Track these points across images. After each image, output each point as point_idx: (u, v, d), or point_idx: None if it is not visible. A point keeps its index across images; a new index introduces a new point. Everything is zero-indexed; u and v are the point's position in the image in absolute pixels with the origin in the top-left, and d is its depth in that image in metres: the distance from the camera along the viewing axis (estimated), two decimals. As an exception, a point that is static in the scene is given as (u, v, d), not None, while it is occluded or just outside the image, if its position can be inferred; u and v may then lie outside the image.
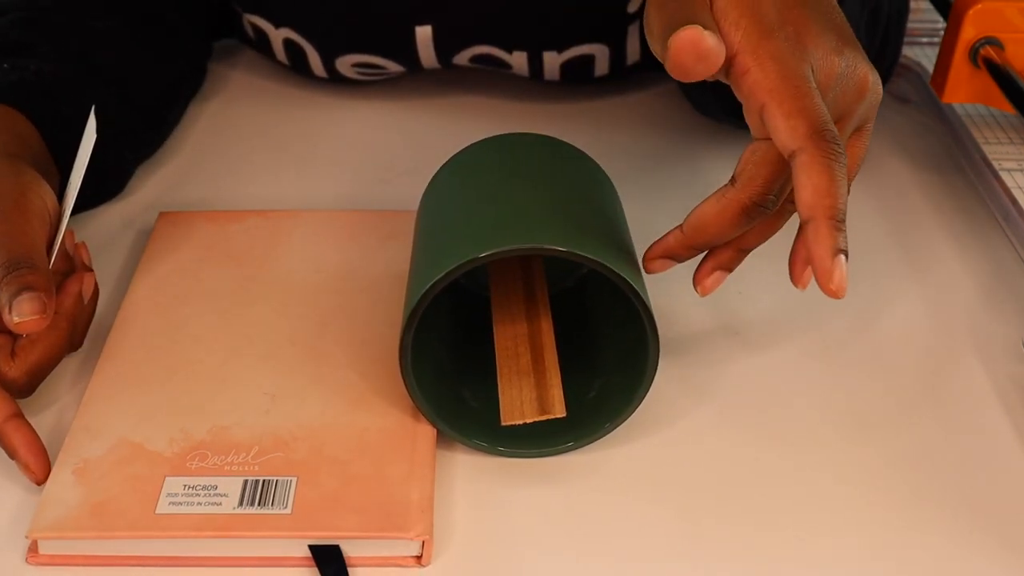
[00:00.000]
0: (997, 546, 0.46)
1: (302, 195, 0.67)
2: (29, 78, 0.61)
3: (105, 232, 0.64)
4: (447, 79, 0.78)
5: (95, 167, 0.63)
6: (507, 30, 0.71)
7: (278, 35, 0.73)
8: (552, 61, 0.72)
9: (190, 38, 0.74)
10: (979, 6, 0.65)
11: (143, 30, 0.70)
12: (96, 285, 0.54)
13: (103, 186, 0.66)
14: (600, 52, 0.72)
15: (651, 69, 0.75)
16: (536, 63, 0.72)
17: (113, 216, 0.65)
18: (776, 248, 0.62)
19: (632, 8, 0.70)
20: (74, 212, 0.64)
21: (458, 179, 0.52)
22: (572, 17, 0.70)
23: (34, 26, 0.65)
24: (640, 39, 0.72)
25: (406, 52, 0.72)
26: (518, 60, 0.72)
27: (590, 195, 0.50)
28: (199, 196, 0.68)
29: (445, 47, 0.72)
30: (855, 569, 0.45)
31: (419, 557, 0.45)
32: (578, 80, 0.74)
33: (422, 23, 0.70)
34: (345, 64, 0.74)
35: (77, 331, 0.53)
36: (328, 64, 0.74)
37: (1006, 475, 0.49)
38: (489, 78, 0.77)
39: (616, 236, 0.48)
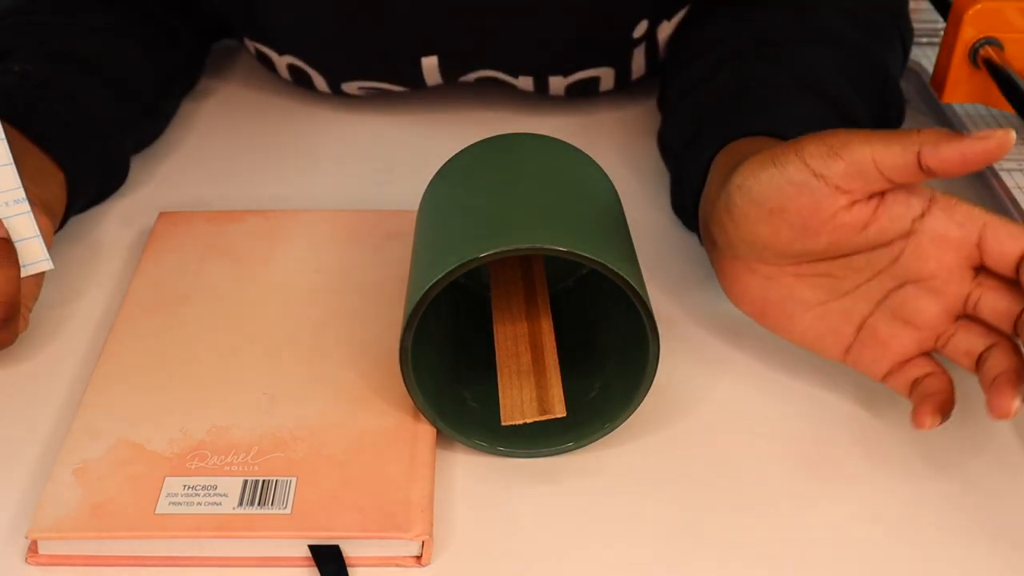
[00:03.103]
0: (997, 545, 0.46)
1: (302, 195, 0.67)
2: (13, 80, 0.61)
3: (105, 232, 0.64)
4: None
5: (102, 163, 0.63)
6: (512, 58, 0.71)
7: (282, 60, 0.73)
8: (558, 83, 0.73)
9: (185, 34, 0.74)
10: (979, 6, 0.65)
11: (136, 28, 0.70)
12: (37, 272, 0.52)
13: (110, 179, 0.65)
14: (605, 74, 0.73)
15: (655, 77, 0.75)
16: (542, 85, 0.73)
17: (113, 216, 0.65)
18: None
19: (637, 33, 0.70)
20: (82, 209, 0.64)
21: (458, 179, 0.52)
22: (577, 44, 0.70)
23: (23, 30, 0.65)
24: (645, 57, 0.72)
25: (412, 78, 0.72)
26: (524, 83, 0.73)
27: (590, 194, 0.50)
28: (199, 196, 0.67)
29: (451, 73, 0.72)
30: (855, 568, 0.45)
31: (419, 557, 0.45)
32: (583, 96, 0.75)
33: (428, 54, 0.70)
34: (351, 87, 0.74)
35: None
36: (334, 87, 0.74)
37: (1006, 475, 0.49)
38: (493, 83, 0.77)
39: (616, 236, 0.48)
